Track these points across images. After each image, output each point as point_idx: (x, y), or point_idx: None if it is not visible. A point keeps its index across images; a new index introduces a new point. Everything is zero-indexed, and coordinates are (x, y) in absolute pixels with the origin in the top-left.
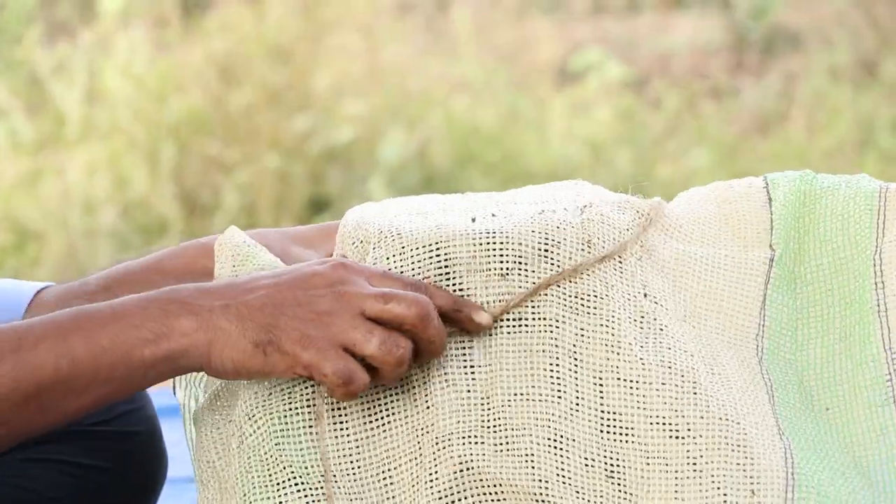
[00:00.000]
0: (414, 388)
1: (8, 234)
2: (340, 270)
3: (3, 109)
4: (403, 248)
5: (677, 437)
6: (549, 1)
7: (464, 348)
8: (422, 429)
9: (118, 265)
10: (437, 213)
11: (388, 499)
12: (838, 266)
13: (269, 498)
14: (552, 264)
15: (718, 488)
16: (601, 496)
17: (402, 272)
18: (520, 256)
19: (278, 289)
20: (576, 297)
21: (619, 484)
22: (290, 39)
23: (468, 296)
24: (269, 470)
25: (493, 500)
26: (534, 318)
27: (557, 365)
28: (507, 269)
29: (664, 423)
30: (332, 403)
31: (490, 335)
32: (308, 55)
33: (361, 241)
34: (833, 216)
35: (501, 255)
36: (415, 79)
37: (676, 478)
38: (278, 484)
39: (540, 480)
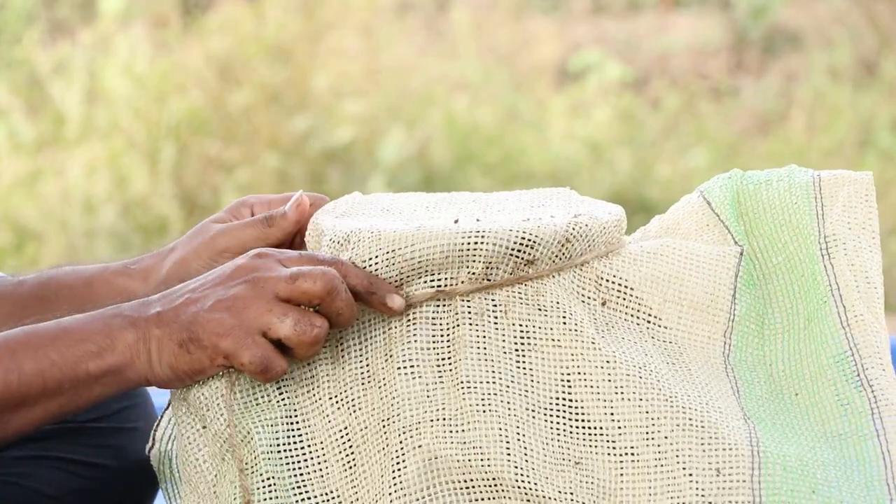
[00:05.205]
0: (380, 379)
1: (8, 234)
2: (258, 259)
3: (3, 109)
4: (380, 248)
5: (646, 434)
6: (548, 1)
7: (434, 341)
8: (387, 419)
9: (54, 271)
10: (423, 216)
11: (352, 487)
12: (791, 258)
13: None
14: (522, 263)
15: (684, 468)
16: (570, 483)
17: (377, 271)
18: (491, 258)
19: (202, 288)
20: (537, 293)
21: (587, 470)
22: (289, 39)
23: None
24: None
25: (463, 491)
26: (495, 315)
27: (523, 360)
28: (477, 270)
29: (630, 421)
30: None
31: (456, 328)
32: (308, 55)
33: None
34: (774, 211)
35: (473, 257)
36: (415, 79)
37: (644, 462)
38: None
39: (516, 466)
